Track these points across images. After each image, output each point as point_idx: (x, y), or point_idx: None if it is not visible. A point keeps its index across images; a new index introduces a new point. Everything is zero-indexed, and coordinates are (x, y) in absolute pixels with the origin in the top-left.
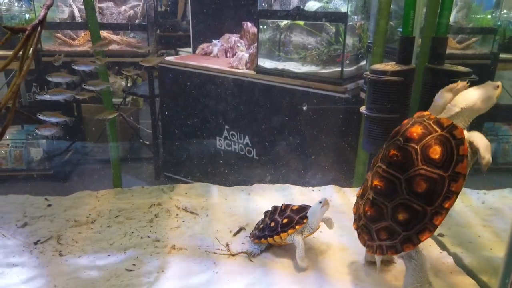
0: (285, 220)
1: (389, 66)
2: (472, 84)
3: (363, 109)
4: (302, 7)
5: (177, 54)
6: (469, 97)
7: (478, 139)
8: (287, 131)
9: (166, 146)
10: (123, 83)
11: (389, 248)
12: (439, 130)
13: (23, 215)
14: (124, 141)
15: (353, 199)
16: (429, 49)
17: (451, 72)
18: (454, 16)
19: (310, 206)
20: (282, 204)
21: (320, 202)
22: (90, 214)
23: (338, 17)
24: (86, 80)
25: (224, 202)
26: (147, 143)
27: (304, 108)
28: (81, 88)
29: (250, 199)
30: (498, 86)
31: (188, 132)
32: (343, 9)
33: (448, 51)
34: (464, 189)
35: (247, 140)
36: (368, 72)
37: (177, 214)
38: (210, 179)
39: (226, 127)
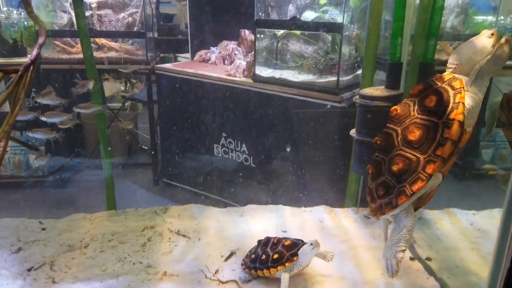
0: (275, 256)
1: (378, 91)
2: None
3: (353, 132)
4: (298, 16)
5: (176, 60)
6: (463, 52)
7: (478, 65)
8: (284, 139)
9: (164, 152)
10: (122, 88)
11: (387, 206)
12: (439, 83)
13: (17, 239)
14: (123, 146)
15: (345, 220)
16: (417, 75)
17: None
18: (451, 22)
19: (302, 242)
20: (275, 237)
21: (311, 244)
22: (83, 238)
23: (334, 28)
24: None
25: (216, 225)
26: (146, 148)
27: (288, 149)
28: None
29: (242, 221)
30: (492, 34)
31: (186, 139)
32: (339, 19)
33: (446, 57)
34: (453, 210)
35: (244, 148)
36: (357, 97)
37: (169, 238)
38: (207, 187)
39: (224, 134)
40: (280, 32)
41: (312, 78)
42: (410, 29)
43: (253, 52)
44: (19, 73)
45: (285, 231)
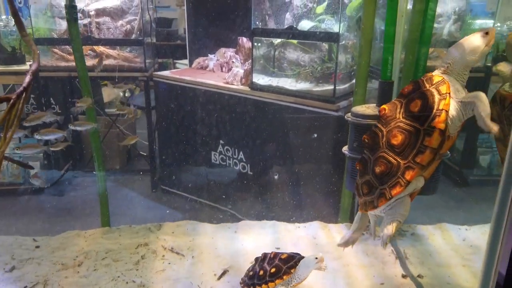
0: (273, 270)
1: (369, 109)
2: None
3: (345, 149)
4: (295, 26)
5: (174, 66)
6: (455, 51)
7: (479, 103)
8: (281, 147)
9: (162, 159)
10: (121, 94)
11: (369, 204)
12: (427, 86)
13: (11, 258)
14: (122, 153)
15: (338, 237)
16: None
17: None
18: (448, 29)
19: (299, 255)
20: (272, 252)
21: (316, 258)
22: (77, 256)
23: (330, 37)
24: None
25: (210, 242)
26: (145, 154)
27: (276, 177)
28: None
29: (236, 237)
30: (487, 33)
31: (184, 146)
32: (335, 28)
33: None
34: (445, 225)
35: (241, 155)
36: (349, 114)
37: (163, 256)
38: (204, 194)
39: (221, 142)
40: (277, 40)
41: (309, 86)
42: (402, 38)
43: (250, 60)
44: (11, 101)
45: (278, 248)
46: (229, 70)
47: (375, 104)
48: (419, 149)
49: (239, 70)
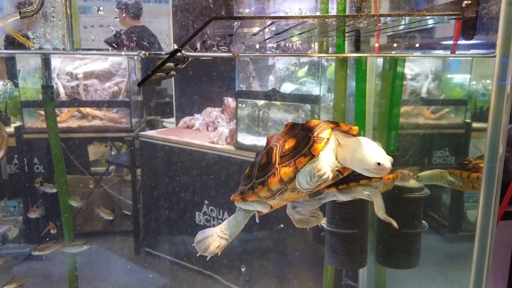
0: None
1: None
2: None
3: (323, 222)
4: (277, 89)
5: (162, 124)
6: (352, 145)
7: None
8: None
9: (146, 220)
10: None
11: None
12: (314, 133)
13: None
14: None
15: None
16: None
17: (404, 188)
18: (426, 87)
19: None
20: None
21: None
22: None
23: (311, 99)
24: None
25: None
26: (129, 213)
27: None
28: None
29: None
30: (379, 164)
31: (168, 207)
32: (316, 91)
33: (423, 121)
34: None
35: (226, 216)
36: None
37: None
38: (187, 257)
39: (206, 202)
40: (261, 102)
41: None
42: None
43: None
44: None
45: None
46: (215, 129)
47: None
48: (264, 180)
49: (224, 129)
